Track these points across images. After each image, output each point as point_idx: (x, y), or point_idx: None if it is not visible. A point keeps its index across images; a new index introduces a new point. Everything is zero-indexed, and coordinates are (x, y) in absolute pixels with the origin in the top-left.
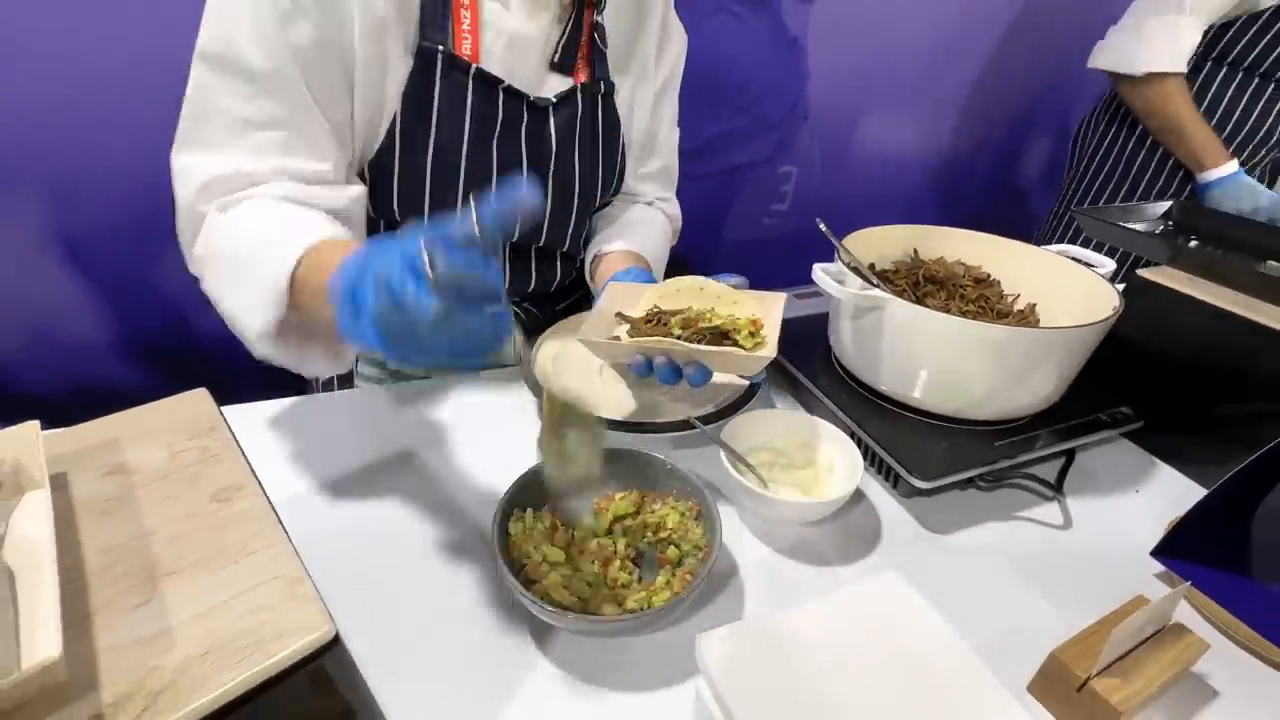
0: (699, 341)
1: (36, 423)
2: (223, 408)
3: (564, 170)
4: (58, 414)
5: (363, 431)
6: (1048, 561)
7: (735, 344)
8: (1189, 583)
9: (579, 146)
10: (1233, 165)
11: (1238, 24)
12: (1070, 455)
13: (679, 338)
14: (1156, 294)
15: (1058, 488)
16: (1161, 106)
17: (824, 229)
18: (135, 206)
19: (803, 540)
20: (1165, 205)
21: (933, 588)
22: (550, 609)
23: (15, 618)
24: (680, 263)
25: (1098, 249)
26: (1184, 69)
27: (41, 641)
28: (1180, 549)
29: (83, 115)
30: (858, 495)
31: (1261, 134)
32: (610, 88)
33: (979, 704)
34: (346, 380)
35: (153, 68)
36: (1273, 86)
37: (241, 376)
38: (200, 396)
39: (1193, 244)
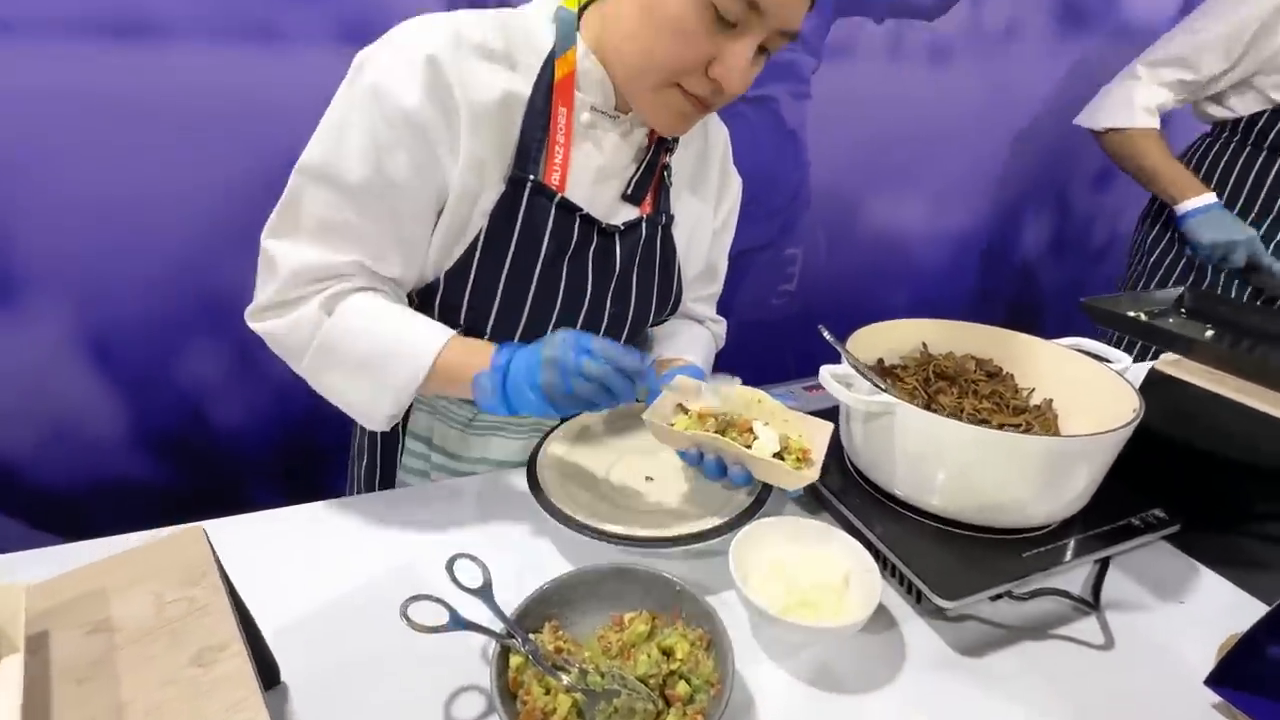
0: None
1: (23, 586)
2: (232, 518)
3: (624, 288)
4: (74, 508)
5: (362, 543)
6: (1090, 689)
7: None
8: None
9: (639, 268)
10: (1210, 197)
11: (1273, 112)
12: (1105, 564)
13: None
14: (1177, 388)
15: (1094, 603)
16: (1129, 152)
17: (827, 336)
18: (159, 306)
19: (821, 665)
20: (1177, 291)
21: None
22: None
23: None
24: None
25: (1118, 342)
26: (1144, 123)
27: None
28: (1238, 677)
29: (111, 220)
30: (880, 609)
31: None
32: (670, 220)
33: None
34: (366, 481)
35: (178, 175)
36: None
37: (254, 467)
38: (194, 536)
39: (1209, 333)
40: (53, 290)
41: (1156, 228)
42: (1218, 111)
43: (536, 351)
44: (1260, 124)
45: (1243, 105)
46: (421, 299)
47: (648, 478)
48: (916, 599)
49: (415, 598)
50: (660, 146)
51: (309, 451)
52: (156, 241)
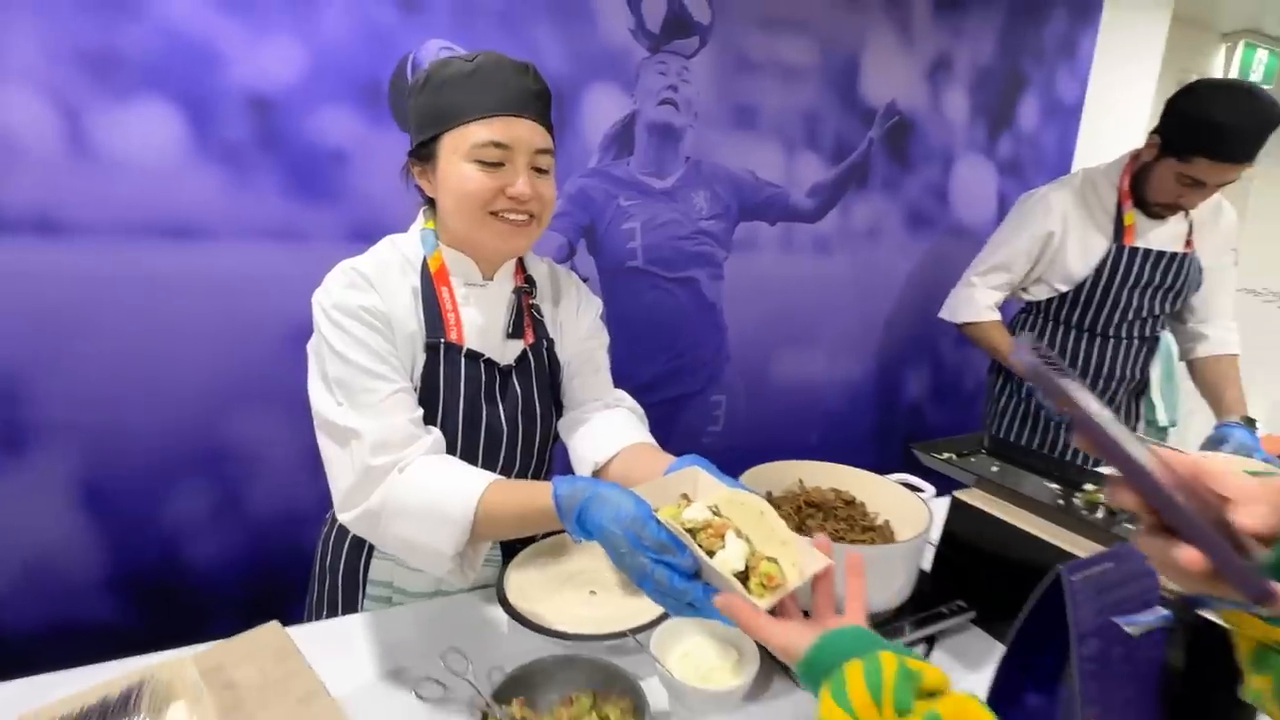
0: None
1: (190, 659)
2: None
3: (528, 405)
4: (36, 654)
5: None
6: None
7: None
8: None
9: (537, 387)
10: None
11: (1059, 297)
12: (930, 642)
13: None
14: (970, 510)
15: None
16: (980, 337)
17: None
18: (147, 453)
19: None
20: (982, 436)
21: None
22: None
23: None
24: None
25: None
26: (988, 317)
27: None
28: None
29: (110, 373)
30: (780, 684)
31: (1105, 374)
32: (550, 342)
33: None
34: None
35: (198, 345)
36: (1099, 340)
37: (225, 605)
38: (274, 629)
39: (994, 469)
40: (61, 439)
41: (1000, 378)
42: (1025, 296)
43: (602, 521)
44: (1053, 305)
45: (1040, 292)
46: None
47: (591, 591)
48: (790, 675)
49: (423, 679)
50: (522, 292)
51: (279, 587)
52: (164, 397)
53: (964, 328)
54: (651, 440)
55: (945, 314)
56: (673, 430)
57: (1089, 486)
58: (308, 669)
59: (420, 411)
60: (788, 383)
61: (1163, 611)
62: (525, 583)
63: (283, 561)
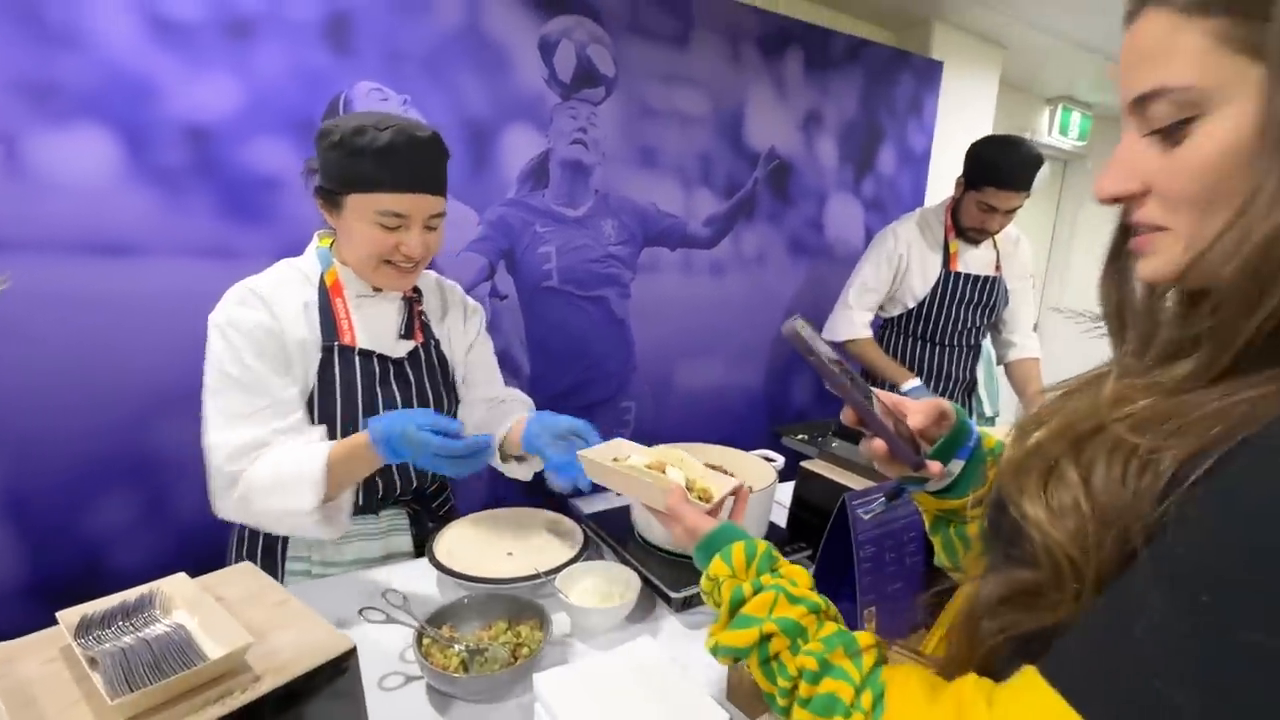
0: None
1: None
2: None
3: (422, 390)
4: None
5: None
6: None
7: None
8: None
9: (428, 378)
10: (916, 380)
11: (907, 313)
12: None
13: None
14: (811, 475)
15: None
16: (858, 353)
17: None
18: (74, 463)
19: (609, 636)
20: (834, 423)
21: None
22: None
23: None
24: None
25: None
26: (863, 335)
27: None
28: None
29: (40, 384)
30: (658, 610)
31: (944, 375)
32: (438, 342)
33: (694, 711)
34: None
35: (127, 359)
36: (937, 348)
37: None
38: (248, 567)
39: (835, 444)
40: None
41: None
42: (883, 314)
43: (394, 432)
44: (903, 320)
45: (893, 309)
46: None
47: (509, 554)
48: (666, 601)
49: (367, 608)
50: (410, 300)
51: None
52: (94, 408)
53: (845, 345)
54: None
55: (827, 334)
56: None
57: None
58: (278, 585)
59: (293, 419)
60: (689, 389)
61: (881, 499)
62: (450, 547)
63: (211, 567)
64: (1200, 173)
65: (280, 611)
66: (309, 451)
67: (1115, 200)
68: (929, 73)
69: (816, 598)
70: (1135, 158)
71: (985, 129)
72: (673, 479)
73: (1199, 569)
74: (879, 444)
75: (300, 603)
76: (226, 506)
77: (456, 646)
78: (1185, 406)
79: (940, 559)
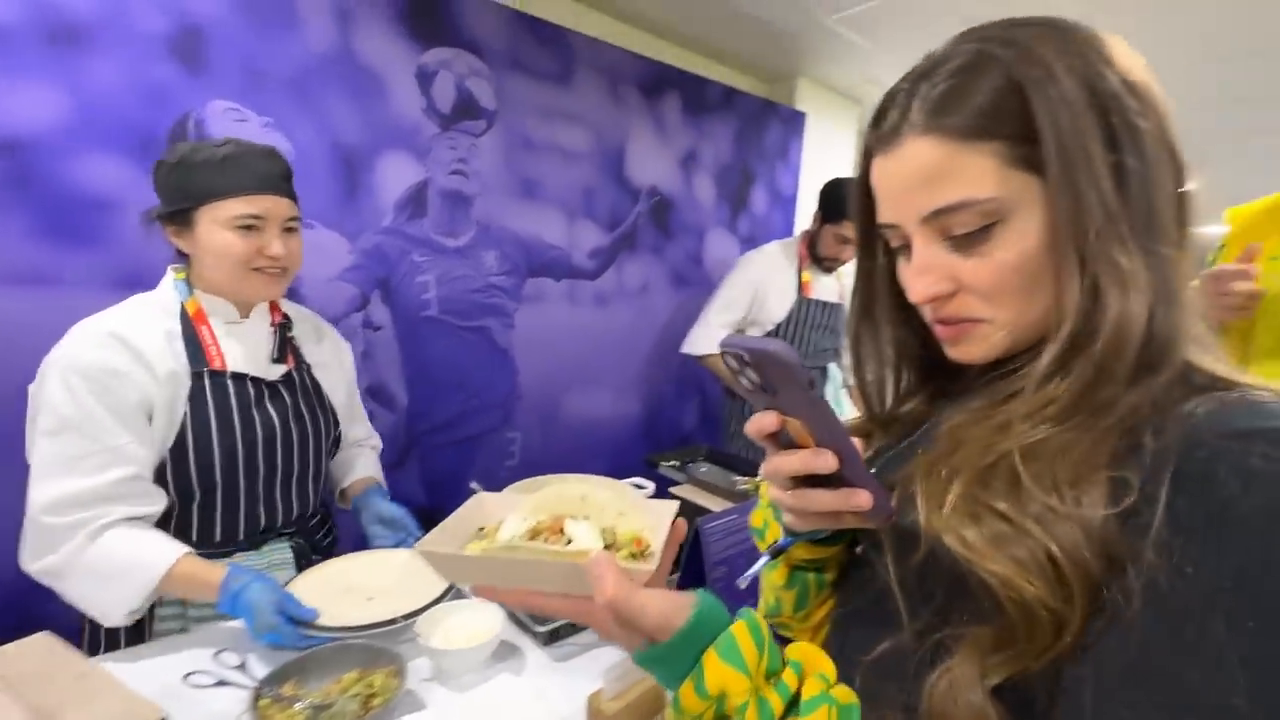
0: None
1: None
2: None
3: (297, 411)
4: None
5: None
6: None
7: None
8: None
9: (303, 401)
10: None
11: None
12: None
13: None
14: (679, 501)
15: None
16: (714, 367)
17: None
18: None
19: (469, 682)
20: (705, 448)
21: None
22: None
23: None
24: (433, 517)
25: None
26: (718, 350)
27: None
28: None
29: None
30: (522, 648)
31: None
32: (309, 366)
33: None
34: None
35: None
36: None
37: None
38: (47, 636)
39: (703, 470)
40: None
41: (731, 401)
42: (747, 333)
43: (250, 607)
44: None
45: (754, 331)
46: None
47: (369, 599)
48: (535, 638)
49: (193, 672)
50: (283, 328)
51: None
52: None
53: (701, 359)
54: (377, 473)
55: (686, 348)
56: (472, 465)
57: (749, 477)
58: (80, 657)
59: (131, 471)
60: (576, 418)
61: (762, 560)
62: (308, 593)
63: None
64: (1017, 268)
65: (79, 686)
66: (152, 552)
67: (932, 301)
68: (794, 121)
69: (840, 693)
70: (941, 263)
71: (846, 172)
72: (584, 542)
73: (1242, 591)
74: (864, 496)
75: (106, 674)
76: (35, 565)
77: (298, 704)
78: (1079, 427)
79: (781, 609)
